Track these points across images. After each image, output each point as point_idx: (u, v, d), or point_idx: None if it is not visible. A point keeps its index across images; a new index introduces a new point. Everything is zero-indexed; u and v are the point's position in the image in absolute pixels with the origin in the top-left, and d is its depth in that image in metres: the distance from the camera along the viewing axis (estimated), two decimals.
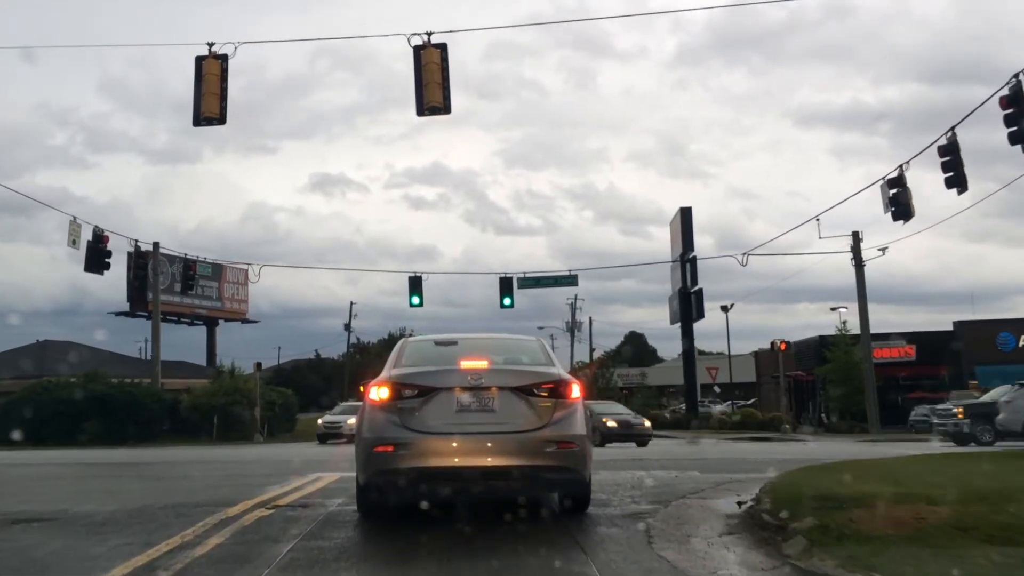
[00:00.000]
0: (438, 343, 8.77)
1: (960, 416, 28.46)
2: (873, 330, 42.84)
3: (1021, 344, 49.14)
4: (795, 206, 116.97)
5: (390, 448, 7.03)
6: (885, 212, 24.43)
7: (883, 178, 24.72)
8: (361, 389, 32.23)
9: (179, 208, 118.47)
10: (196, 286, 56.25)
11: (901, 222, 23.90)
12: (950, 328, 51.76)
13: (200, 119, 16.07)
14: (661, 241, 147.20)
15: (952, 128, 20.73)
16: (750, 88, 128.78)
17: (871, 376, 41.39)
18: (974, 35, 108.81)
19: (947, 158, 20.59)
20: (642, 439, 30.29)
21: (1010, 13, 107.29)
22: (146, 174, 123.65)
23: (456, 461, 7.03)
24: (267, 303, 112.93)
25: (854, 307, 43.57)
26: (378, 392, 7.29)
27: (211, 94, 15.99)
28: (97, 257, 28.62)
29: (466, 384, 7.18)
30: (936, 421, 30.82)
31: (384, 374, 7.60)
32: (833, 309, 51.82)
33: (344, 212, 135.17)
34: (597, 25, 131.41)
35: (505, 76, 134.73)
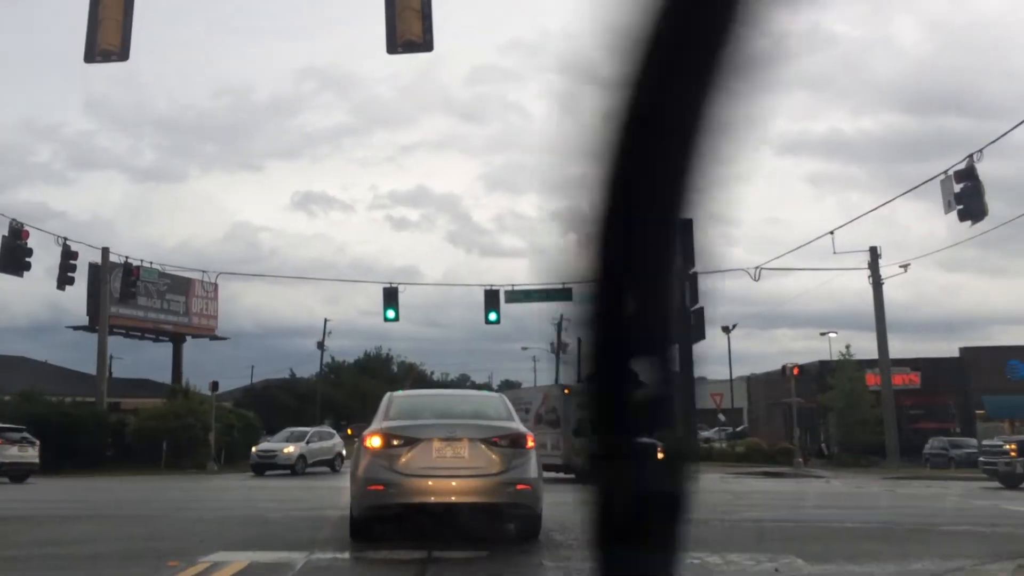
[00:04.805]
0: (418, 399, 11.34)
1: (1013, 454, 25.42)
2: (868, 356, 41.15)
3: None
4: (775, 234, 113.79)
5: (381, 487, 8.48)
6: (947, 212, 20.60)
7: (945, 172, 20.90)
8: (349, 432, 36.70)
9: (162, 226, 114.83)
10: (158, 296, 52.37)
11: (969, 223, 20.00)
12: (956, 355, 49.28)
13: (95, 54, 11.94)
14: None
15: None
16: (729, 114, 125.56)
17: (891, 404, 38.32)
18: (954, 67, 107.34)
19: None
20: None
21: (991, 45, 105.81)
22: (129, 192, 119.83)
23: (433, 499, 8.56)
24: (248, 322, 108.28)
25: (845, 333, 40.86)
26: (371, 441, 8.75)
27: (110, 20, 11.90)
28: (13, 254, 24.19)
29: (442, 436, 8.66)
30: (983, 459, 27.47)
31: (375, 425, 9.06)
32: (823, 334, 50.55)
33: (327, 232, 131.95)
34: (582, 50, 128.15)
35: (490, 98, 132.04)
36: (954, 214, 20.41)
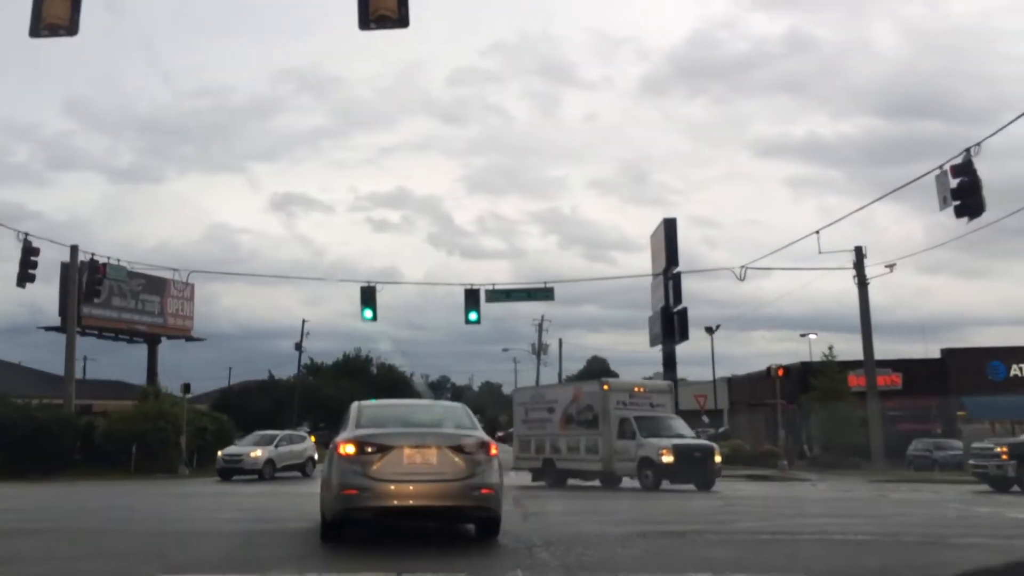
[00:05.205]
0: (386, 408, 11.82)
1: (1005, 457, 24.92)
2: (848, 357, 40.98)
3: (1012, 374, 46.46)
4: (755, 236, 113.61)
5: (354, 492, 9.14)
6: (942, 208, 19.89)
7: (940, 167, 20.20)
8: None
9: (140, 227, 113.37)
10: (132, 297, 51.34)
11: (966, 219, 19.29)
12: (937, 356, 49.23)
13: (40, 28, 10.98)
14: (624, 267, 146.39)
15: None
16: (711, 118, 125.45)
17: (875, 405, 37.61)
18: (931, 72, 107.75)
19: None
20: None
21: (967, 51, 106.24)
22: (106, 193, 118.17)
23: (403, 502, 9.24)
24: (227, 324, 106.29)
25: (823, 335, 40.73)
26: (345, 448, 9.38)
27: None
28: None
29: (413, 444, 9.38)
30: (973, 462, 26.92)
31: (348, 433, 9.68)
32: (803, 335, 50.73)
33: (307, 234, 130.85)
34: (562, 54, 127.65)
35: (470, 101, 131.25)
36: (946, 212, 19.77)
